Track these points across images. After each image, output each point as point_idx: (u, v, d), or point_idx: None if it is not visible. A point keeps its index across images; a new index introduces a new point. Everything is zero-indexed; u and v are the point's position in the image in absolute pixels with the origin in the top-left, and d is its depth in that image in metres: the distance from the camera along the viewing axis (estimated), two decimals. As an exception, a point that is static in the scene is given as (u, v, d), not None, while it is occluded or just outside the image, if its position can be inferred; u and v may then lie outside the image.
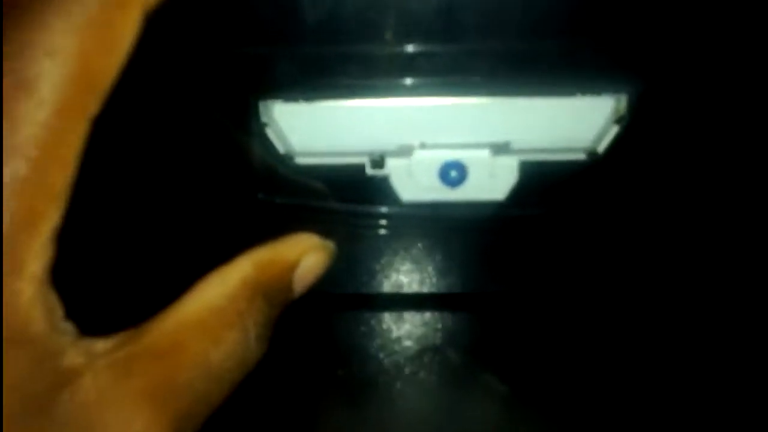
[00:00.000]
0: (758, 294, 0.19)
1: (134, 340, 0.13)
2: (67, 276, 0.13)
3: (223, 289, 0.15)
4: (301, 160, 0.18)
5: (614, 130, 0.18)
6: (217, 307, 0.14)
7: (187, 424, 0.14)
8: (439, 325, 0.19)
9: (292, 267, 0.16)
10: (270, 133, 0.18)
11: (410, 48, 0.16)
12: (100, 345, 0.13)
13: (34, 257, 0.12)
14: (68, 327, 0.13)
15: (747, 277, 0.19)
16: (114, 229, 0.16)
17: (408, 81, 0.17)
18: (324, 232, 0.16)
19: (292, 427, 0.18)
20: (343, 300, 0.19)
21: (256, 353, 0.15)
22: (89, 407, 0.13)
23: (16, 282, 0.12)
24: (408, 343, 0.19)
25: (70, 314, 0.13)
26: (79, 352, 0.13)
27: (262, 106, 0.17)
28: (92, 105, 0.12)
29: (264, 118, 0.18)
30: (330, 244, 0.16)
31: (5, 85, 0.12)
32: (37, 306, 0.12)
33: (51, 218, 0.12)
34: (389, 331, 0.19)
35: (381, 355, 0.19)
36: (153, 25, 0.13)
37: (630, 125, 0.17)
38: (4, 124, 0.12)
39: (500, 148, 0.18)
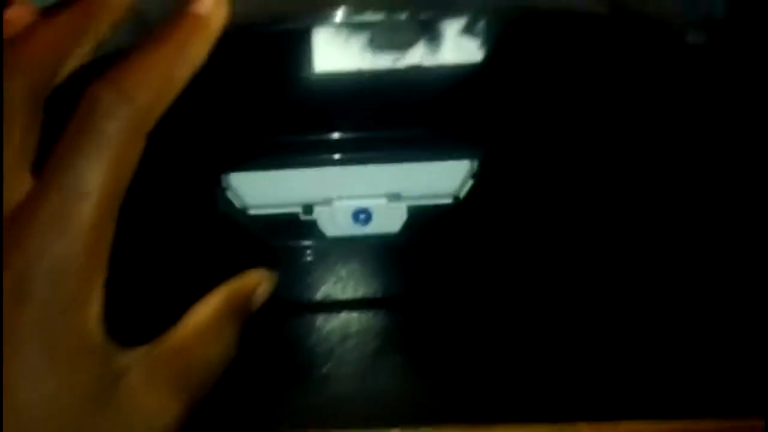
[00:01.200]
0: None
1: (158, 346, 0.20)
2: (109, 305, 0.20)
3: (210, 310, 0.22)
4: (252, 212, 0.25)
5: (470, 182, 0.26)
6: (208, 322, 0.22)
7: (195, 399, 0.21)
8: (357, 321, 0.27)
9: (252, 292, 0.23)
10: (229, 194, 0.25)
11: (330, 136, 0.24)
12: (137, 351, 0.20)
13: (98, 294, 0.19)
14: (113, 340, 0.20)
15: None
16: (131, 274, 0.23)
17: (328, 156, 0.24)
18: (271, 260, 0.23)
19: (254, 400, 0.25)
20: (287, 306, 0.27)
21: (233, 350, 0.22)
22: (135, 393, 0.20)
23: (89, 309, 0.19)
24: (335, 335, 0.26)
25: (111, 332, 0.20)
26: (124, 356, 0.20)
27: (223, 176, 0.25)
28: (119, 199, 0.19)
29: (224, 184, 0.25)
30: (275, 275, 0.23)
31: (68, 197, 0.18)
32: (100, 325, 0.19)
33: (104, 268, 0.19)
34: (321, 327, 0.27)
35: (315, 344, 0.26)
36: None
37: (479, 180, 0.25)
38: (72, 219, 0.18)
39: (393, 197, 0.26)
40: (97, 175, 0.19)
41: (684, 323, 0.28)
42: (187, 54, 0.20)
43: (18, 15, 0.22)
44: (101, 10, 0.21)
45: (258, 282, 0.23)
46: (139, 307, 0.22)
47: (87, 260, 0.19)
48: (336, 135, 0.24)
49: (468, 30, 0.23)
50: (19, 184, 0.19)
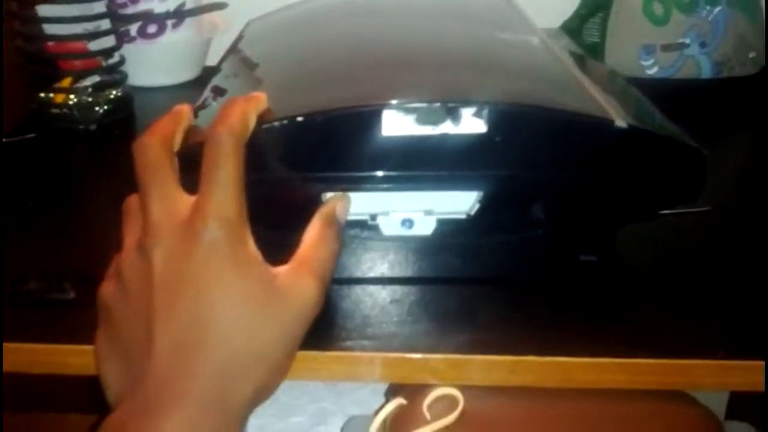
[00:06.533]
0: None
1: (293, 258, 0.34)
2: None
3: (314, 227, 0.36)
4: (339, 217, 0.41)
5: (478, 205, 0.40)
6: (315, 234, 0.36)
7: (325, 284, 0.34)
8: (400, 291, 0.42)
9: (335, 208, 0.38)
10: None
11: (391, 173, 0.39)
12: (280, 266, 0.34)
13: (249, 233, 0.33)
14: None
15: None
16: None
17: (389, 184, 0.39)
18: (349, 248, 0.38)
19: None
20: (355, 280, 0.42)
21: (338, 248, 0.36)
22: (287, 286, 0.32)
23: (248, 241, 0.32)
24: (384, 299, 0.41)
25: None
26: (273, 268, 0.33)
27: (323, 194, 0.40)
28: (243, 178, 0.33)
29: (324, 200, 0.40)
30: (348, 196, 0.38)
31: (220, 183, 0.32)
32: (256, 250, 0.33)
33: (246, 220, 0.33)
34: (376, 293, 0.42)
35: (372, 303, 0.41)
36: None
37: (483, 204, 0.40)
38: (222, 187, 0.33)
39: (427, 212, 0.41)
40: (229, 170, 0.33)
41: (685, 270, 0.40)
42: (252, 107, 0.36)
43: (184, 108, 0.38)
44: (258, 99, 0.37)
45: (337, 201, 0.38)
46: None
47: (238, 215, 0.33)
48: (394, 173, 0.39)
49: (477, 114, 0.37)
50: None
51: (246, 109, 0.35)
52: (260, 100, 0.37)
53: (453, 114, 0.37)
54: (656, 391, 0.37)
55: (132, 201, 0.35)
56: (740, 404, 0.94)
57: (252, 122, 0.36)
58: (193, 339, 0.31)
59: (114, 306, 0.33)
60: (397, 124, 0.38)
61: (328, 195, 0.40)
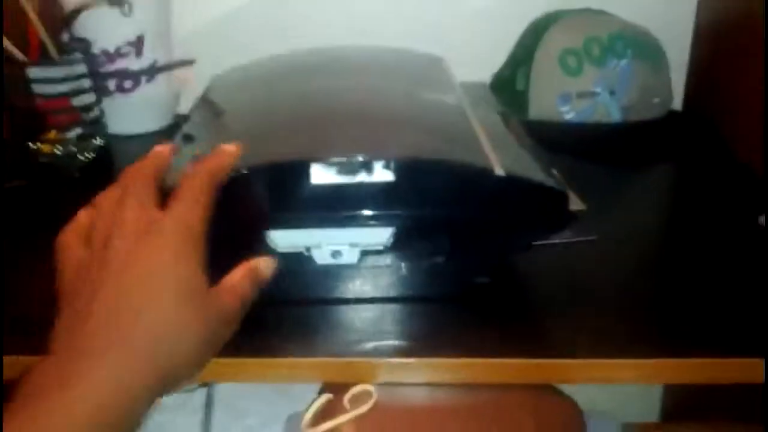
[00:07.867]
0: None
1: (218, 286, 0.44)
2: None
3: (239, 271, 0.45)
4: (279, 250, 0.49)
5: (392, 239, 0.50)
6: (238, 275, 0.45)
7: (246, 309, 0.44)
8: (332, 311, 0.50)
9: (258, 265, 0.46)
10: (269, 240, 0.49)
11: (321, 214, 0.48)
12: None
13: (202, 250, 0.41)
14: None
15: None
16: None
17: (320, 222, 0.48)
18: (287, 276, 0.47)
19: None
20: (295, 301, 0.51)
21: (254, 293, 0.45)
22: (214, 296, 0.42)
23: (199, 255, 0.41)
24: (318, 318, 0.50)
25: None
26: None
27: (266, 232, 0.49)
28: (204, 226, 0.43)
29: (268, 237, 0.49)
30: (272, 261, 0.47)
31: (183, 197, 0.42)
32: (203, 263, 0.41)
33: (203, 242, 0.42)
34: (312, 312, 0.51)
35: (309, 318, 0.50)
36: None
37: (396, 238, 0.49)
38: (190, 202, 0.42)
39: (353, 246, 0.50)
40: (201, 194, 0.42)
41: (690, 273, 0.48)
42: (231, 159, 0.45)
43: (165, 148, 0.47)
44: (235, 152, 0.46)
45: (261, 262, 0.47)
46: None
47: (198, 226, 0.42)
48: (324, 214, 0.48)
49: (386, 166, 0.47)
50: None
51: (225, 160, 0.45)
52: (236, 153, 0.46)
53: (367, 166, 0.47)
54: (529, 385, 0.46)
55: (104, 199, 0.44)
56: (675, 405, 1.03)
57: (227, 170, 0.45)
58: (127, 309, 0.37)
59: (75, 262, 0.40)
60: (323, 174, 0.47)
61: (272, 232, 0.49)
